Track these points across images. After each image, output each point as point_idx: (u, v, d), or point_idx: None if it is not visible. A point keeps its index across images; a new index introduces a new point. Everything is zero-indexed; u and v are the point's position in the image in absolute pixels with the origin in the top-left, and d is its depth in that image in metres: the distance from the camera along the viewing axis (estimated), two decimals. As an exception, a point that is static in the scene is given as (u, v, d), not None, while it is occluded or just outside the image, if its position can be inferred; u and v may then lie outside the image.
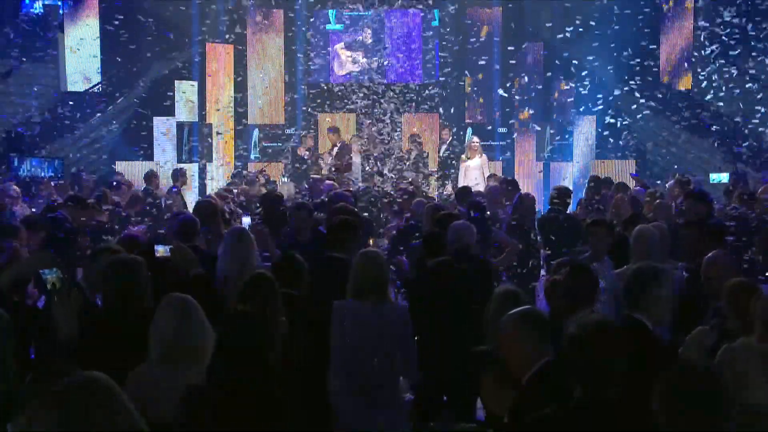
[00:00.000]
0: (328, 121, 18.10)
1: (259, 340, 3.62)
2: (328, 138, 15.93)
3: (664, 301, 4.30)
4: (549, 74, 17.33)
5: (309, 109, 18.20)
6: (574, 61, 17.18)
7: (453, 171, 15.97)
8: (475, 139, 15.93)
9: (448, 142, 16.30)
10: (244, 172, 16.19)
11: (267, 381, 3.58)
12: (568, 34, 15.95)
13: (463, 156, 15.77)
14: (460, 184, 15.25)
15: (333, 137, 15.68)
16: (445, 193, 15.04)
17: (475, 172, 14.99)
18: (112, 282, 4.42)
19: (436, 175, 15.96)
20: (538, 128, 17.31)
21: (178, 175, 13.75)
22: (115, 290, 4.41)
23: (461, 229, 6.50)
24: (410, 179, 13.58)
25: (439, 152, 16.43)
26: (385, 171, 14.84)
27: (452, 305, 5.77)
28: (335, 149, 15.39)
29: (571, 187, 14.26)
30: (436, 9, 18.37)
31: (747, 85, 16.06)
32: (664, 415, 2.82)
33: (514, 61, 17.76)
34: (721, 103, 15.88)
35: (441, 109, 18.08)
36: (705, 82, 16.67)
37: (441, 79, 18.45)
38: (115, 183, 12.70)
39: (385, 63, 18.16)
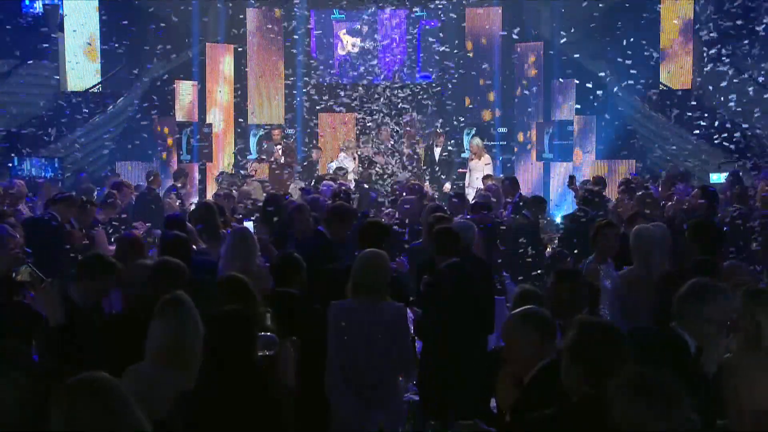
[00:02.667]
0: (329, 121, 18.14)
1: (242, 340, 3.59)
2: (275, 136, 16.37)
3: (711, 321, 4.04)
4: (549, 74, 17.30)
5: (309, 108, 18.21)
6: (574, 61, 17.17)
7: (456, 173, 15.92)
8: (476, 140, 15.86)
9: (441, 146, 16.21)
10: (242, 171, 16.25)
11: (253, 381, 3.54)
12: (568, 35, 15.95)
13: (471, 155, 15.77)
14: (467, 185, 15.30)
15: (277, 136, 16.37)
16: (444, 190, 15.00)
17: (478, 174, 14.95)
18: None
19: (428, 177, 15.85)
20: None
21: (179, 176, 13.75)
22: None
23: (463, 229, 6.48)
24: (410, 179, 13.56)
25: (435, 155, 16.31)
26: (378, 169, 14.87)
27: (460, 305, 5.72)
28: (279, 147, 16.00)
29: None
30: (432, 9, 18.39)
31: (747, 84, 16.05)
32: (616, 409, 2.84)
33: (513, 61, 17.76)
34: (722, 103, 15.87)
35: (439, 109, 18.08)
36: (705, 82, 16.67)
37: (439, 79, 18.47)
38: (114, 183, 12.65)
39: (381, 47, 18.28)
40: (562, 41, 16.53)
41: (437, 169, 15.92)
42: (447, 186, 15.42)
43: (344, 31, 18.75)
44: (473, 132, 17.65)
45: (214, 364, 3.55)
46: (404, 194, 10.41)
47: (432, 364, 5.59)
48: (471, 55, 18.06)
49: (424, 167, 16.08)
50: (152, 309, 4.24)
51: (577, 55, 16.46)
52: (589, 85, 16.08)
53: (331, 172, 14.85)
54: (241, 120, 18.15)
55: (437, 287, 5.79)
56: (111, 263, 4.78)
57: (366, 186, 12.67)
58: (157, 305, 3.89)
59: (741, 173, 11.95)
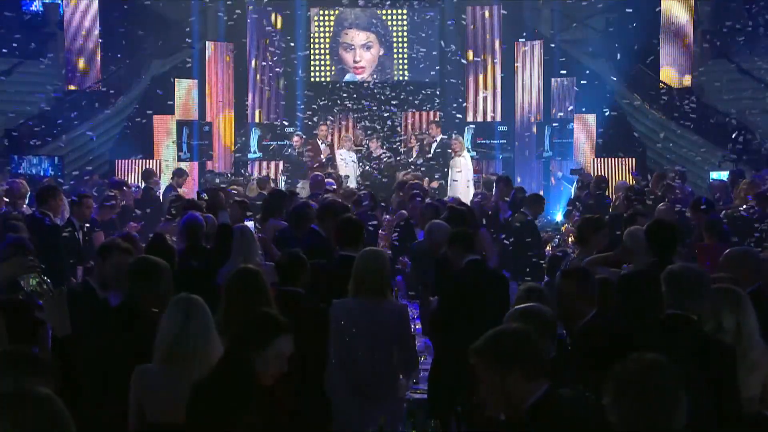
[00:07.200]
0: (329, 120, 18.13)
1: (239, 338, 3.57)
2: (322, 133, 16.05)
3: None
4: (549, 72, 17.29)
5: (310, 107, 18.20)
6: (574, 59, 17.18)
7: (447, 169, 15.79)
8: (455, 137, 15.71)
9: (438, 139, 16.02)
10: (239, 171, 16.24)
11: (248, 379, 3.50)
12: (568, 33, 15.97)
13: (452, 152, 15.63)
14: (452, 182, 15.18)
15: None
16: (433, 188, 14.62)
17: (457, 172, 14.81)
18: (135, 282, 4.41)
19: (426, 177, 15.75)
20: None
21: (176, 175, 13.70)
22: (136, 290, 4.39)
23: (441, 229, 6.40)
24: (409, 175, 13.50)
25: (429, 149, 16.19)
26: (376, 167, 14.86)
27: (473, 305, 5.65)
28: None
29: (570, 186, 14.28)
30: (433, 7, 18.42)
31: (746, 83, 16.07)
32: (616, 411, 2.68)
33: (513, 59, 17.76)
34: (722, 101, 15.89)
35: (440, 108, 18.07)
36: (705, 81, 16.69)
37: (439, 77, 18.48)
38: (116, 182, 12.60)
39: (382, 46, 18.29)
40: (562, 39, 16.57)
41: (432, 163, 15.78)
42: (435, 184, 15.09)
43: (345, 29, 18.77)
44: (473, 130, 17.64)
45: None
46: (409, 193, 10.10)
47: (448, 362, 5.49)
48: (471, 55, 18.05)
49: (421, 161, 15.96)
50: (138, 308, 4.25)
51: (576, 52, 16.49)
52: (584, 82, 16.09)
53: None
54: (242, 118, 18.14)
55: (457, 285, 5.70)
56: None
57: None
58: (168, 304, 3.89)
59: (743, 171, 11.97)
